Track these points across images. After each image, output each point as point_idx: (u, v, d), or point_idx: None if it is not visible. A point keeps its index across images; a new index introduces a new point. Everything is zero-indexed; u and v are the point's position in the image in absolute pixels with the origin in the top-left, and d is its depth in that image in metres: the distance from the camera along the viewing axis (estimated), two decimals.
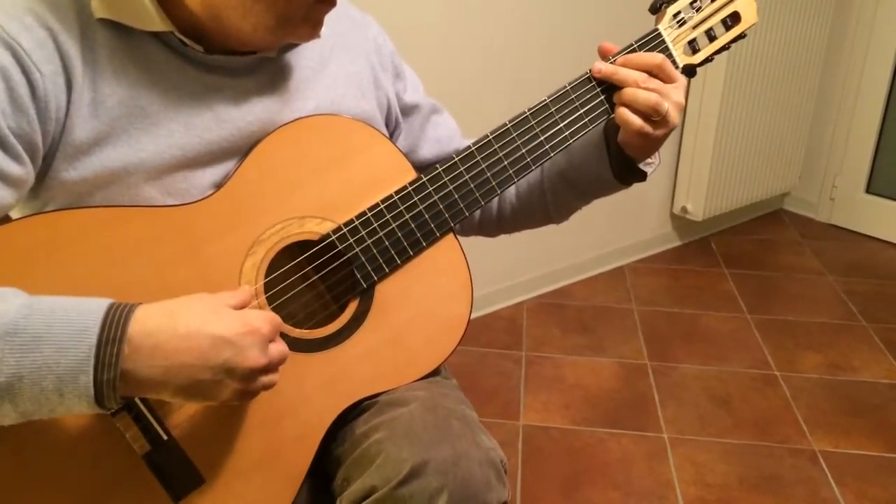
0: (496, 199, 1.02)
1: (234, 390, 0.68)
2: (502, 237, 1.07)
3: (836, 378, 2.05)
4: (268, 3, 0.73)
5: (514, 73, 2.15)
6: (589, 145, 0.92)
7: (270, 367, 0.70)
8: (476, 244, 1.11)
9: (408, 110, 0.97)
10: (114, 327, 0.63)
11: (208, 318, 0.67)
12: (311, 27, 0.79)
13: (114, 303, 0.65)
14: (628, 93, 0.84)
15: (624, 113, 0.84)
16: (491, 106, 2.11)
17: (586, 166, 0.93)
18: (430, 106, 0.99)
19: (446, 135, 0.99)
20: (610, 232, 2.61)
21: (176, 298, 0.69)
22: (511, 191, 1.01)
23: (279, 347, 0.71)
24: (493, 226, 1.04)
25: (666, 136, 0.86)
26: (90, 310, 0.64)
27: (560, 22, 2.20)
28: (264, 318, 0.70)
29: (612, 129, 0.90)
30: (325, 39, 0.87)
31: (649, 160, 0.92)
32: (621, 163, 0.91)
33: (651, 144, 0.87)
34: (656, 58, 0.84)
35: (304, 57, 0.86)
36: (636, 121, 0.84)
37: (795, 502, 1.62)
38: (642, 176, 0.92)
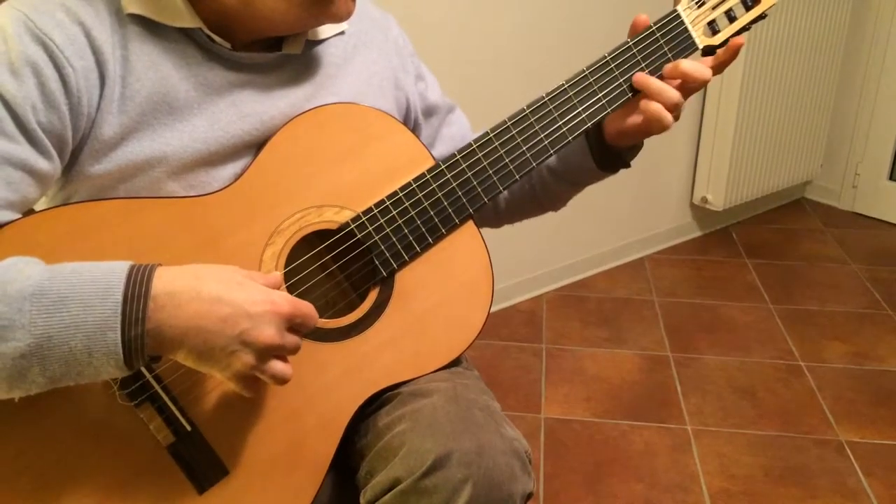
0: None
1: (244, 364, 0.67)
2: (518, 230, 1.08)
3: (862, 367, 2.02)
4: None
5: (527, 63, 2.14)
6: None
7: (282, 351, 0.69)
8: (494, 236, 1.10)
9: (429, 111, 0.98)
10: (138, 284, 0.64)
11: (233, 287, 0.67)
12: (344, 2, 0.79)
13: (134, 263, 0.65)
14: (660, 89, 0.85)
15: (657, 109, 0.84)
16: (504, 96, 2.10)
17: (571, 158, 0.95)
18: (447, 105, 1.00)
19: (459, 133, 1.00)
20: (630, 223, 2.59)
21: (205, 264, 0.69)
22: None
23: (294, 337, 0.71)
24: (493, 218, 1.06)
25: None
26: (112, 270, 0.64)
27: (574, 7, 2.18)
28: (287, 300, 0.70)
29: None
30: (349, 38, 0.88)
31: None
32: (603, 154, 0.93)
33: (646, 135, 0.89)
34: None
35: (328, 55, 0.86)
36: (668, 117, 0.84)
37: (822, 493, 1.60)
38: (626, 163, 0.95)
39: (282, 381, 0.70)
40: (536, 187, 1.00)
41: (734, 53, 0.86)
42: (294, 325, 0.70)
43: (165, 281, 0.65)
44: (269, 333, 0.67)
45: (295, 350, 0.71)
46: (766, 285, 2.46)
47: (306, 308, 0.71)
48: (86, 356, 0.62)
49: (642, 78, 0.86)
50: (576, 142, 0.92)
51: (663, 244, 2.73)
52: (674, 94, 0.84)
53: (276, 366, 0.69)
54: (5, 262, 0.63)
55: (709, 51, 0.88)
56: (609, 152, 0.92)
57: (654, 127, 0.86)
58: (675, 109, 0.85)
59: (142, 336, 0.63)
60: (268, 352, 0.68)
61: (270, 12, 0.76)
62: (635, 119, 0.87)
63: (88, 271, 0.64)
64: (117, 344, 0.62)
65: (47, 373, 0.62)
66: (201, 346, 0.66)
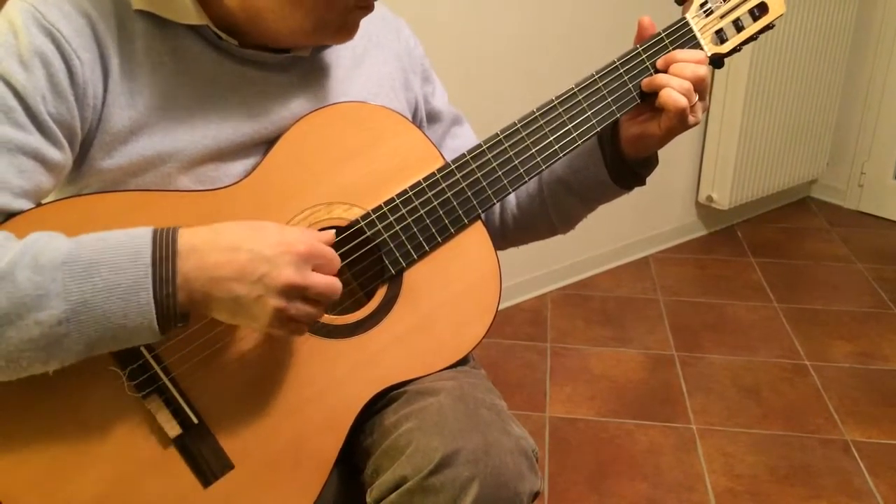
0: (498, 211, 1.02)
1: (274, 308, 0.68)
2: None
3: (868, 367, 2.02)
4: (306, 9, 0.74)
5: (531, 65, 2.14)
6: (585, 150, 0.92)
7: (309, 291, 0.70)
8: None
9: (433, 116, 0.97)
10: (164, 246, 0.66)
11: (248, 234, 0.69)
12: (347, 31, 0.80)
13: (157, 228, 0.67)
14: (667, 78, 0.84)
15: (668, 93, 0.83)
16: (507, 99, 2.10)
17: (584, 171, 0.93)
18: (452, 116, 1.00)
19: (464, 146, 0.98)
20: (634, 222, 2.58)
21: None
22: (511, 201, 1.01)
23: (324, 277, 0.71)
24: (498, 237, 1.03)
25: (682, 130, 0.86)
26: (137, 234, 0.66)
27: (577, 9, 2.18)
28: (303, 240, 0.70)
29: (607, 133, 0.90)
30: (359, 39, 0.87)
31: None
32: (619, 167, 0.91)
33: (666, 137, 0.87)
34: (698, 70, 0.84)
35: (339, 56, 0.86)
36: (682, 99, 0.82)
37: (827, 493, 1.60)
38: (641, 179, 0.93)
39: (313, 319, 0.71)
40: (549, 204, 0.97)
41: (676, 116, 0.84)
42: (316, 265, 0.71)
43: (188, 238, 0.67)
44: (287, 273, 0.68)
45: (325, 289, 0.70)
46: (772, 284, 2.45)
47: (326, 250, 0.72)
48: (121, 318, 0.64)
49: (648, 78, 0.85)
50: (591, 154, 0.91)
51: (668, 243, 2.73)
52: (682, 81, 0.83)
53: (304, 307, 0.70)
54: (30, 236, 0.65)
55: (717, 60, 0.88)
56: (624, 165, 0.91)
57: (673, 120, 0.84)
58: (686, 94, 0.83)
59: (173, 294, 0.65)
60: (291, 292, 0.69)
61: (274, 33, 0.77)
62: (651, 122, 0.86)
63: (113, 238, 0.66)
64: (150, 304, 0.64)
65: (83, 338, 0.64)
66: (226, 296, 0.67)
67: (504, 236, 1.03)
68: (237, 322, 0.70)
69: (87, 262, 0.64)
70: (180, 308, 0.66)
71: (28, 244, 0.64)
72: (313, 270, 0.71)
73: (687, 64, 0.84)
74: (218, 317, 0.70)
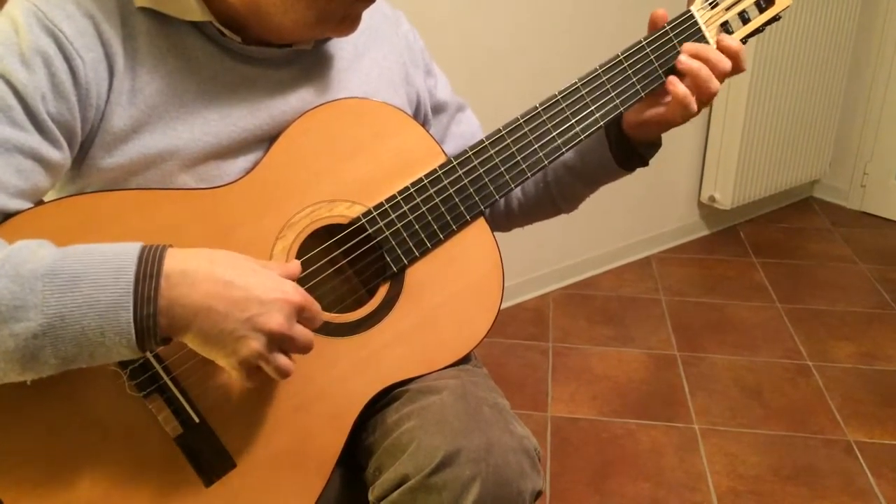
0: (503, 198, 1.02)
1: (251, 350, 0.67)
2: (525, 227, 1.07)
3: (871, 367, 2.01)
4: (309, 1, 0.74)
5: (533, 61, 2.13)
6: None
7: (291, 343, 0.69)
8: (501, 234, 1.10)
9: (438, 108, 0.98)
10: (150, 264, 0.64)
11: (246, 273, 0.68)
12: (350, 23, 0.79)
13: (146, 244, 0.66)
14: (699, 76, 0.84)
15: (682, 91, 0.84)
16: (510, 95, 2.10)
17: (590, 154, 0.94)
18: (456, 103, 1.00)
19: (469, 131, 1.00)
20: (637, 222, 2.58)
21: (219, 249, 0.69)
22: (517, 188, 1.01)
23: (306, 332, 0.70)
24: (503, 221, 1.05)
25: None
26: (125, 250, 0.64)
27: (580, 6, 2.17)
28: (298, 291, 0.70)
29: (612, 121, 0.90)
30: (360, 33, 0.87)
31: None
32: (622, 149, 0.92)
33: (671, 125, 0.88)
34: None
35: (340, 50, 0.87)
36: (693, 102, 0.84)
37: (830, 493, 1.59)
38: (644, 161, 0.94)
39: (284, 374, 0.70)
40: (552, 185, 0.99)
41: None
42: (302, 318, 0.70)
43: (178, 260, 0.65)
44: (278, 321, 0.67)
45: (304, 344, 0.70)
46: (774, 284, 2.45)
47: (316, 306, 0.72)
48: (98, 336, 0.62)
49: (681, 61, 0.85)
50: (596, 139, 0.92)
51: (670, 243, 2.72)
52: (716, 75, 0.84)
53: (281, 358, 0.69)
54: (17, 244, 0.64)
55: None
56: (628, 147, 0.92)
57: (677, 114, 0.85)
58: (707, 95, 0.84)
59: (154, 315, 0.63)
60: (276, 340, 0.68)
61: (277, 27, 0.77)
62: (656, 110, 0.87)
63: (100, 252, 0.64)
64: (129, 323, 0.62)
65: (59, 353, 0.62)
66: (210, 327, 0.65)
67: (510, 220, 1.05)
68: (206, 353, 0.68)
69: (69, 275, 0.62)
70: (161, 331, 0.64)
71: (12, 252, 0.63)
72: (300, 322, 0.70)
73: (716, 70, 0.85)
74: (191, 344, 0.68)
